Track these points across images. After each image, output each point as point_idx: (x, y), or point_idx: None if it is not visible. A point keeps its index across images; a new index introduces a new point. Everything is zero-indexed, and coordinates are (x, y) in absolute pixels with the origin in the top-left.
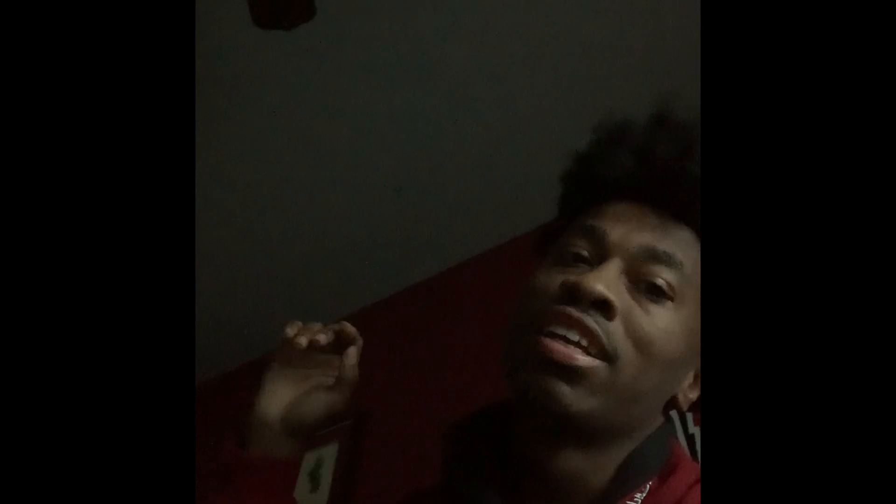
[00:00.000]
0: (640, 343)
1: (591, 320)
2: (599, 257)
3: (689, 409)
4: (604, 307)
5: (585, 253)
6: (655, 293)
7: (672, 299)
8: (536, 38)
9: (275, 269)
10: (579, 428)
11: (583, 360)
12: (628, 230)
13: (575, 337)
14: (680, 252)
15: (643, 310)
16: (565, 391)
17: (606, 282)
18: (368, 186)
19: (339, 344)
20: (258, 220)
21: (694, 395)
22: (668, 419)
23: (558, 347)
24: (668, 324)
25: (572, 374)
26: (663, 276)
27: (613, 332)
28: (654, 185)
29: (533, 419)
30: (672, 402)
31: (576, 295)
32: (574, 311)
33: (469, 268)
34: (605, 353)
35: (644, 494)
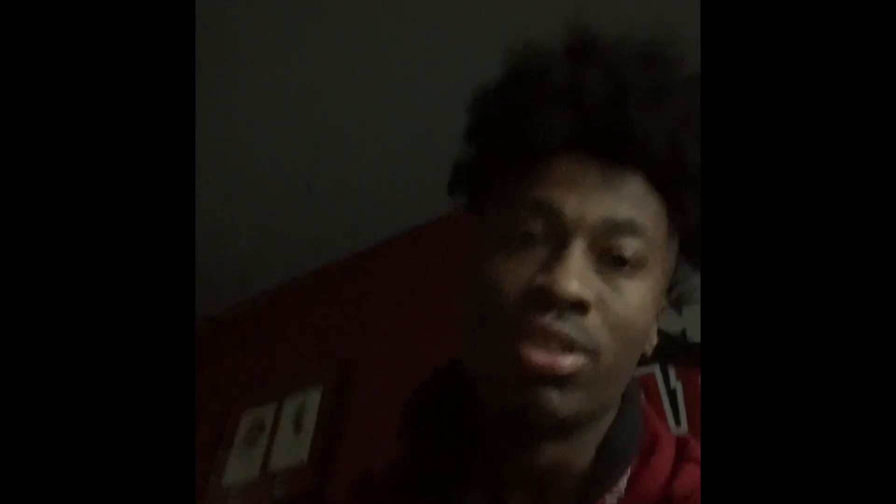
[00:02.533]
0: (618, 328)
1: (568, 326)
2: (555, 237)
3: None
4: (580, 307)
5: (537, 232)
6: (623, 266)
7: (640, 268)
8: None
9: (266, 210)
10: (566, 425)
11: (568, 362)
12: (580, 200)
13: (556, 347)
14: (640, 214)
15: (615, 290)
16: (554, 398)
17: (578, 276)
18: (365, 129)
19: None
20: (252, 162)
21: (654, 339)
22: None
23: (541, 359)
24: (641, 297)
25: (559, 381)
26: (629, 248)
27: (590, 327)
28: (591, 136)
29: (515, 425)
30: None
31: (548, 300)
32: (551, 324)
33: (462, 218)
34: (585, 349)
35: (627, 478)
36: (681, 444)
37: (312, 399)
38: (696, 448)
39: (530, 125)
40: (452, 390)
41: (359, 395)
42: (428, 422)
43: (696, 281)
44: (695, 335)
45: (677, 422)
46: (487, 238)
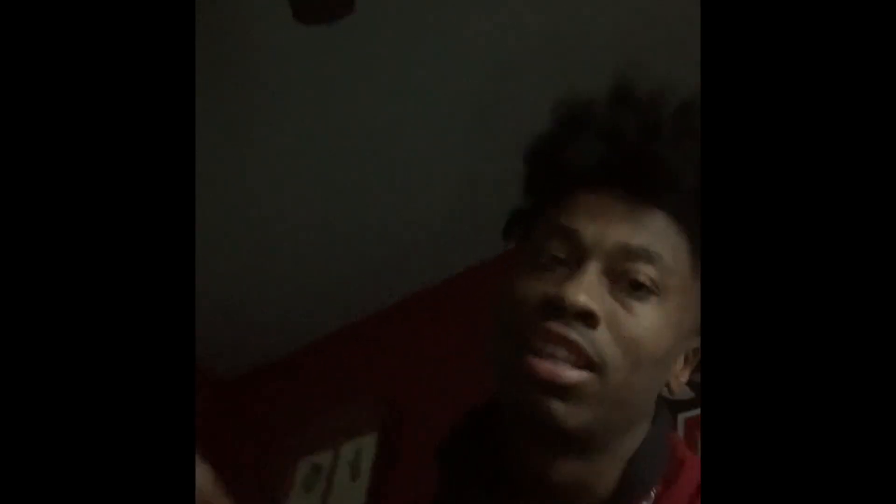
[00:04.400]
0: (628, 347)
1: (575, 333)
2: (576, 259)
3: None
4: (587, 317)
5: (562, 255)
6: (638, 290)
7: (656, 294)
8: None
9: (320, 256)
10: (577, 438)
11: (571, 375)
12: (601, 227)
13: (562, 353)
14: (656, 243)
15: (627, 311)
16: (558, 408)
17: (587, 290)
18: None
19: None
20: (288, 219)
21: (685, 376)
22: (664, 407)
23: (545, 367)
24: (654, 321)
25: (563, 391)
26: (644, 272)
27: (599, 340)
28: (622, 170)
29: (529, 434)
30: (665, 390)
31: (558, 308)
32: (558, 328)
33: (505, 259)
34: (592, 364)
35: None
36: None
37: (367, 445)
38: None
39: (566, 154)
40: (482, 427)
41: (414, 439)
42: (459, 463)
43: None
44: None
45: None
46: (518, 263)
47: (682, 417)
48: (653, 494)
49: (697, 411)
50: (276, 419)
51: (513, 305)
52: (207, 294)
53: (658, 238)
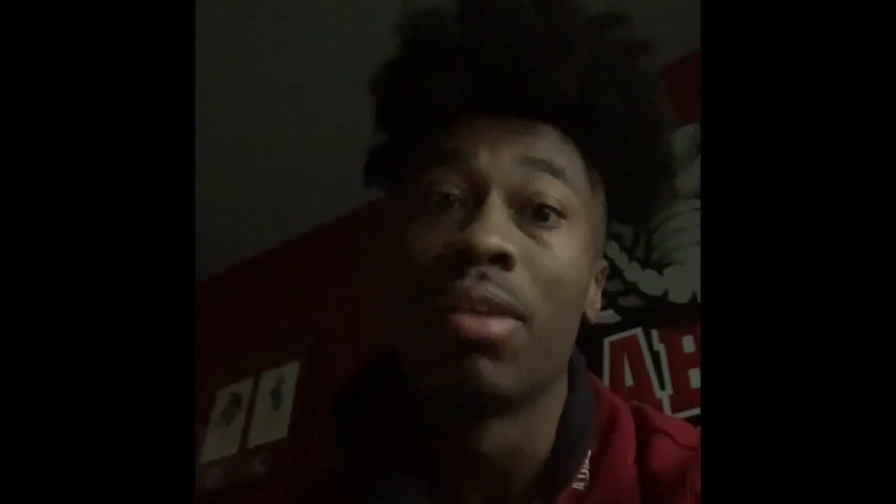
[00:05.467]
0: (549, 286)
1: (494, 286)
2: (474, 192)
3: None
4: (502, 260)
5: (455, 191)
6: (546, 219)
7: (565, 217)
8: None
9: (239, 182)
10: (508, 399)
11: (498, 326)
12: (495, 146)
13: (483, 308)
14: (557, 156)
15: (541, 244)
16: (488, 368)
17: (496, 229)
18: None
19: None
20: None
21: (598, 301)
22: (577, 351)
23: (468, 322)
24: (569, 251)
25: (492, 349)
26: (550, 194)
27: (518, 284)
28: (497, 93)
29: (451, 403)
30: (582, 321)
31: (469, 258)
32: (473, 286)
33: None
34: (516, 312)
35: (587, 465)
36: (638, 413)
37: (290, 373)
38: (656, 416)
39: (429, 91)
40: (385, 381)
41: (337, 368)
42: (360, 419)
43: (674, 242)
44: (677, 297)
45: (661, 385)
46: (406, 205)
47: (606, 342)
48: (590, 453)
49: (623, 334)
50: (196, 348)
51: (412, 262)
52: None
53: (557, 151)
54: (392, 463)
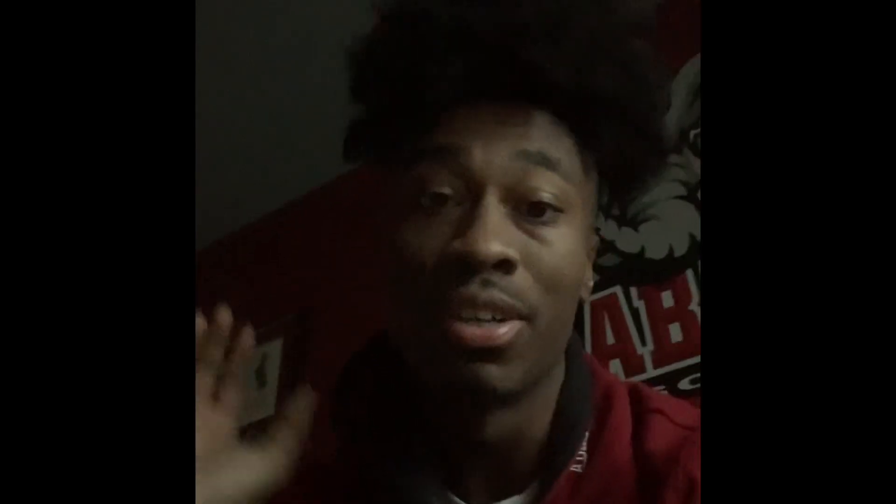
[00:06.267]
0: (549, 283)
1: (498, 291)
2: (469, 192)
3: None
4: (505, 266)
5: (448, 189)
6: (543, 213)
7: (562, 210)
8: None
9: (223, 152)
10: (513, 395)
11: (503, 332)
12: (487, 140)
13: (487, 316)
14: (550, 146)
15: (540, 241)
16: (493, 372)
17: (495, 233)
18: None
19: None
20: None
21: (590, 276)
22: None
23: (473, 332)
24: (568, 244)
25: (496, 353)
26: (546, 189)
27: (520, 286)
28: (490, 80)
29: (456, 400)
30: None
31: (470, 267)
32: (478, 294)
33: None
34: (520, 314)
35: (585, 447)
36: (634, 392)
37: (273, 350)
38: (652, 395)
39: (421, 78)
40: (384, 366)
41: (322, 344)
42: (362, 402)
43: (650, 197)
44: (654, 252)
45: (643, 341)
46: (397, 199)
47: (586, 308)
48: (587, 436)
49: (602, 293)
50: None
51: (410, 268)
52: None
53: (551, 140)
54: (395, 446)
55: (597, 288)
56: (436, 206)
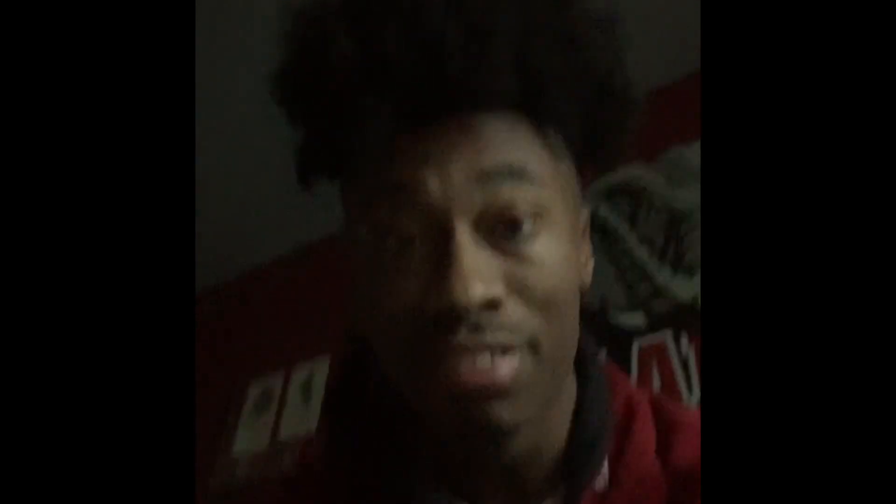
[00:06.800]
0: (543, 302)
1: (489, 334)
2: (434, 228)
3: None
4: (491, 304)
5: (413, 231)
6: (521, 226)
7: (541, 216)
8: None
9: (275, 176)
10: (525, 423)
11: (504, 372)
12: (441, 168)
13: (485, 356)
14: (511, 152)
15: (524, 262)
16: (503, 410)
17: (475, 274)
18: None
19: None
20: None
21: (589, 260)
22: (590, 341)
23: (471, 376)
24: (555, 251)
25: (501, 389)
26: (518, 203)
27: (515, 320)
28: (427, 106)
29: (467, 436)
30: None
31: (454, 319)
32: (468, 340)
33: None
34: (520, 345)
35: (606, 461)
36: (657, 404)
37: (320, 367)
38: (676, 407)
39: (349, 131)
40: (379, 390)
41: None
42: (353, 412)
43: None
44: None
45: (690, 390)
46: (361, 246)
47: (635, 345)
48: (608, 449)
49: (652, 338)
50: (228, 341)
51: (390, 322)
52: None
53: (511, 144)
54: (410, 467)
55: (647, 332)
56: (403, 251)
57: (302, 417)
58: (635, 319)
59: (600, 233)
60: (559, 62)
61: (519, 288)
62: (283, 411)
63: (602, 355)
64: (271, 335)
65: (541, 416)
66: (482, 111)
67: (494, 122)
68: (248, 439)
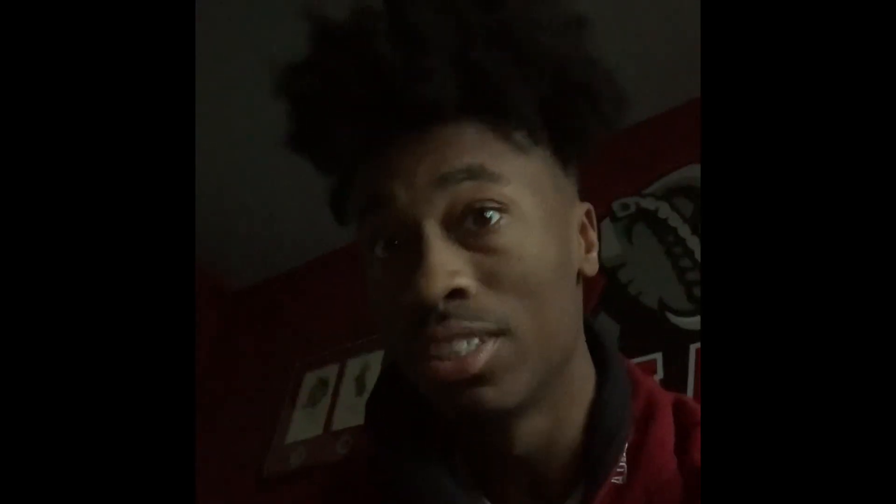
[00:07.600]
0: (517, 288)
1: (454, 321)
2: (409, 232)
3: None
4: (458, 293)
5: (394, 236)
6: (488, 220)
7: (506, 207)
8: None
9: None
10: (523, 404)
11: (476, 360)
12: (406, 177)
13: (461, 345)
14: (471, 154)
15: (491, 253)
16: (488, 395)
17: (439, 269)
18: None
19: None
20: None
21: (593, 249)
22: (608, 334)
23: (446, 368)
24: (525, 239)
25: (483, 377)
26: (478, 198)
27: (483, 306)
28: (398, 115)
29: (472, 425)
30: (578, 278)
31: (423, 312)
32: (438, 332)
33: None
34: (491, 332)
35: (624, 457)
36: (678, 404)
37: (375, 361)
38: (697, 409)
39: (323, 141)
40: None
41: None
42: (395, 412)
43: None
44: None
45: None
46: (363, 252)
47: (692, 349)
48: (625, 447)
49: None
50: (283, 333)
51: (382, 320)
52: (217, 203)
53: (471, 148)
54: (433, 460)
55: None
56: (390, 255)
57: (355, 409)
58: (692, 323)
59: (660, 233)
60: (501, 63)
61: (488, 277)
62: (337, 403)
63: (657, 358)
64: (328, 328)
65: (549, 405)
66: (443, 122)
67: (454, 129)
68: (302, 428)
